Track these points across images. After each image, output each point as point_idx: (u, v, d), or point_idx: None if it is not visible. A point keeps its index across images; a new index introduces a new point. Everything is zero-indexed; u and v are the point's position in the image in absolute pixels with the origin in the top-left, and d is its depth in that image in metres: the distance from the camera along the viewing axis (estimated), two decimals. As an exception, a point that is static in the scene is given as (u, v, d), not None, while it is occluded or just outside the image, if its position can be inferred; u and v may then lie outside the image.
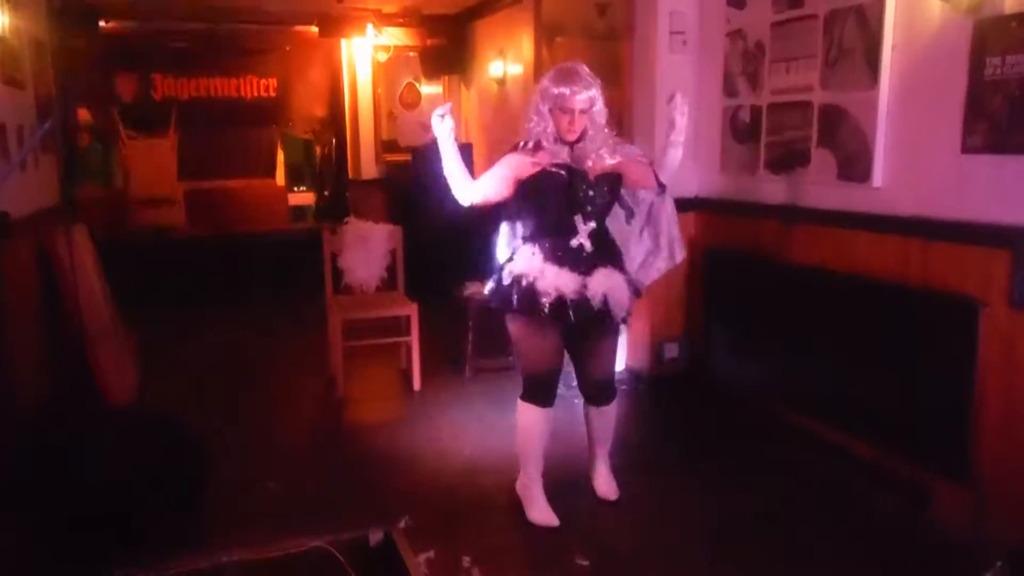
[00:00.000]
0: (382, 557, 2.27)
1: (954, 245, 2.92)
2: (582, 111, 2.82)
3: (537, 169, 2.88)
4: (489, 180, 2.98)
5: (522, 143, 2.96)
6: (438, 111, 2.88)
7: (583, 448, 3.36)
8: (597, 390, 3.16)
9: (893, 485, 3.19)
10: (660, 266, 3.24)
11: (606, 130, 2.92)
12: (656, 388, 4.55)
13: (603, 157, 2.92)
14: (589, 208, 2.92)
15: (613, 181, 2.96)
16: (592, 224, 2.93)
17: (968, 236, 2.86)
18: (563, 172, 2.87)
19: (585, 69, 2.89)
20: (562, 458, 3.44)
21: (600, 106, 2.87)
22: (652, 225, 3.21)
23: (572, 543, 2.90)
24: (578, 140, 2.89)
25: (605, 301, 2.91)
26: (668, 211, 3.21)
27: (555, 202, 2.90)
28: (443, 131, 2.88)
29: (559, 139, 2.88)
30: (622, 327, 3.23)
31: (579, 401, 3.32)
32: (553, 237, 2.92)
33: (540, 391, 3.02)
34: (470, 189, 2.97)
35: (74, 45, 7.37)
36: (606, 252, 3.00)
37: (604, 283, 2.92)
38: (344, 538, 2.27)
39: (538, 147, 2.91)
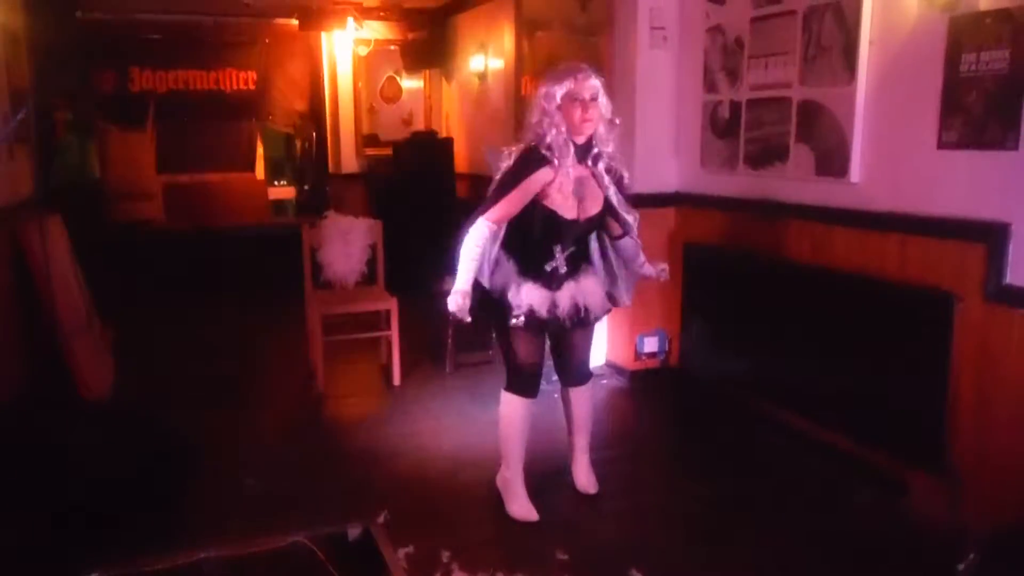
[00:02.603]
0: (361, 552, 2.26)
1: (930, 240, 2.96)
2: (592, 98, 2.76)
3: (552, 191, 2.81)
4: (513, 204, 2.83)
5: (541, 146, 2.81)
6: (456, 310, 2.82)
7: (563, 443, 3.37)
8: (573, 372, 3.23)
9: (870, 476, 3.22)
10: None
11: (616, 122, 2.87)
12: (635, 382, 4.57)
13: (606, 171, 2.89)
14: (571, 240, 2.94)
15: (601, 215, 2.95)
16: (571, 249, 2.95)
17: (944, 231, 2.89)
18: (554, 212, 2.83)
19: (585, 65, 2.88)
20: (542, 453, 3.44)
21: (605, 99, 2.82)
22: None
23: (552, 537, 2.91)
24: (589, 140, 2.83)
25: (576, 309, 2.96)
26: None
27: (540, 232, 2.90)
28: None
29: (570, 140, 2.78)
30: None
31: (558, 396, 3.33)
32: (529, 257, 2.94)
33: (524, 382, 3.06)
34: (493, 222, 2.84)
35: (50, 36, 7.28)
36: (581, 263, 3.01)
37: (572, 294, 2.96)
38: (323, 533, 2.26)
39: (551, 151, 2.80)
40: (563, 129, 2.77)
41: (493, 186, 2.91)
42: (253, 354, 5.43)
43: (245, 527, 2.79)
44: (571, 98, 2.75)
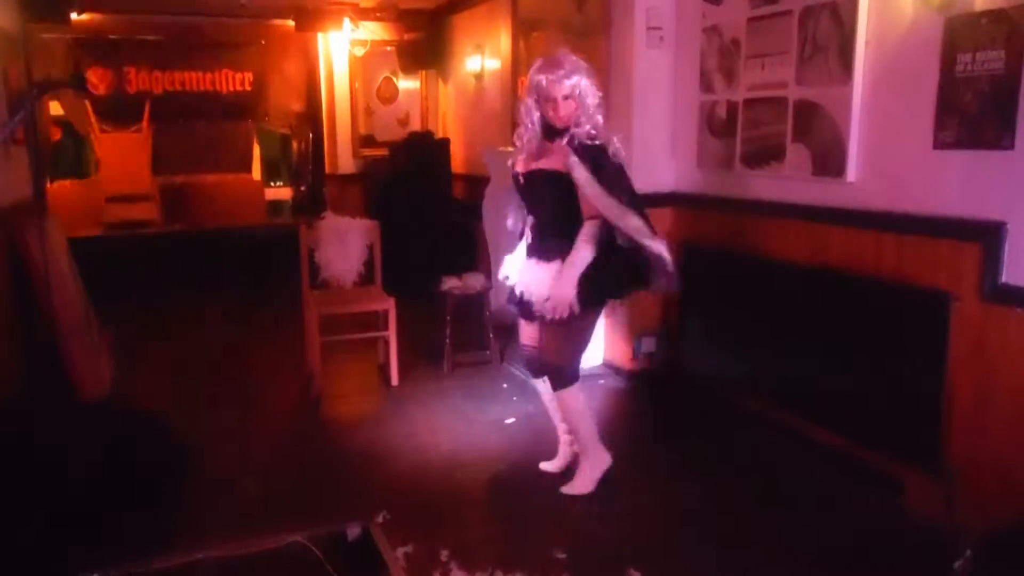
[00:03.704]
0: (360, 552, 2.28)
1: (926, 239, 2.97)
2: (565, 97, 2.85)
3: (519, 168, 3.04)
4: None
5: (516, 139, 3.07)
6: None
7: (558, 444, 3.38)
8: (540, 365, 3.20)
9: (867, 475, 3.23)
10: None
11: (598, 116, 2.93)
12: (634, 381, 4.58)
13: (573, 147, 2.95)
14: (528, 202, 3.06)
15: (555, 179, 2.90)
16: (531, 218, 3.07)
17: (940, 230, 2.90)
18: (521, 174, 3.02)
19: (570, 56, 2.93)
20: (541, 453, 3.45)
21: (586, 88, 2.88)
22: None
23: (550, 536, 2.91)
24: (568, 127, 2.92)
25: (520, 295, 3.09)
26: None
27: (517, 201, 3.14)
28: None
29: (548, 127, 2.93)
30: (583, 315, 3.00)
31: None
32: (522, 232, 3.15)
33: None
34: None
35: (45, 38, 7.27)
36: (547, 244, 3.01)
37: (526, 276, 3.06)
38: (322, 533, 2.27)
39: (520, 141, 3.03)
40: (536, 119, 2.94)
41: None
42: (250, 354, 5.43)
43: (243, 527, 2.78)
44: (544, 97, 2.89)
